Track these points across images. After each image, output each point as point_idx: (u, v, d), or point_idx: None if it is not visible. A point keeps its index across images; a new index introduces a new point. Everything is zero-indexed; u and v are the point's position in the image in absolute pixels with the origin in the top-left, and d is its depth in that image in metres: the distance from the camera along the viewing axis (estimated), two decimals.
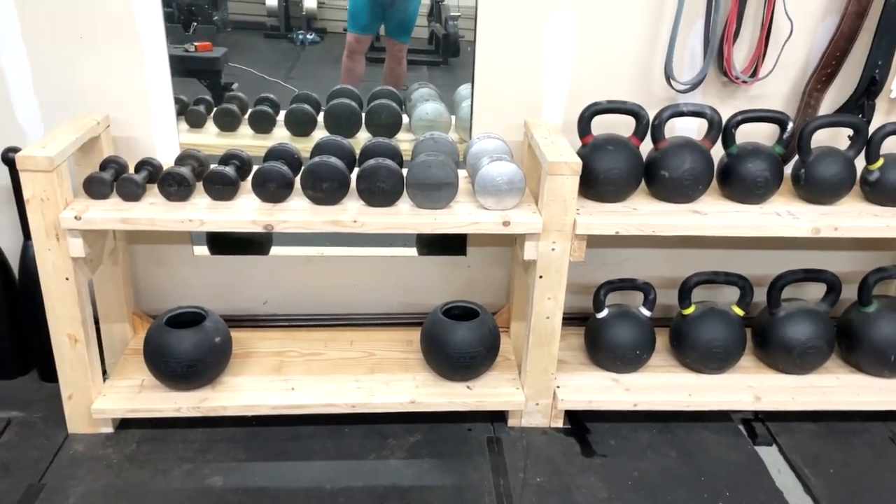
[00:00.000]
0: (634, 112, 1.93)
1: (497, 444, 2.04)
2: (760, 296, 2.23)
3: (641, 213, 1.91)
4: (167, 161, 1.98)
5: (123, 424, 2.02)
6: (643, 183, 2.01)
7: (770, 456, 2.05)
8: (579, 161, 1.78)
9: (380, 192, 1.84)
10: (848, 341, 2.20)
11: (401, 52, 2.31)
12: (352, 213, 1.83)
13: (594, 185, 1.91)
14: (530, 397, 2.05)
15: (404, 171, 1.87)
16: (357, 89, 2.30)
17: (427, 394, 2.04)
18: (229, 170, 1.85)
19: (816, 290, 2.23)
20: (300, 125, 2.32)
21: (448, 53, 2.45)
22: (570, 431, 2.10)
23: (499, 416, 2.12)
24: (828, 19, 2.10)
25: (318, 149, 1.97)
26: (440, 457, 1.98)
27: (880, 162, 1.97)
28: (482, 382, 2.09)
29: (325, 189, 1.83)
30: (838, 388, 2.15)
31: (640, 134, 1.95)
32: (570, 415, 2.13)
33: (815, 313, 2.16)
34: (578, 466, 1.97)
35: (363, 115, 2.32)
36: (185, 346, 1.92)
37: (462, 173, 1.98)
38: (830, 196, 1.99)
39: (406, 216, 1.83)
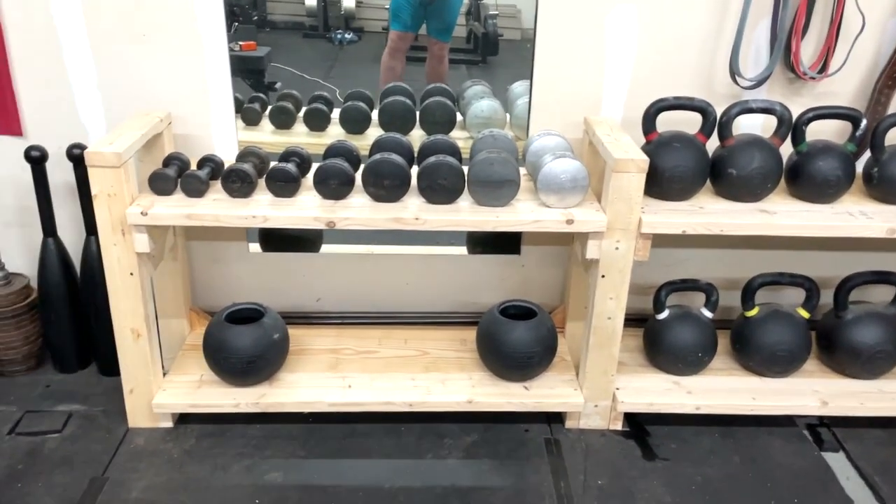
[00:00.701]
0: (701, 109, 1.89)
1: (555, 445, 2.01)
2: (826, 298, 2.16)
3: (708, 212, 1.87)
4: (228, 158, 1.99)
5: (182, 419, 2.04)
6: (709, 181, 1.96)
7: (837, 462, 2.00)
8: (646, 158, 1.75)
9: (441, 189, 1.82)
10: None
11: (442, 51, 2.29)
12: (413, 210, 1.82)
13: (659, 183, 1.87)
14: (589, 399, 2.02)
15: (464, 168, 1.85)
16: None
17: (484, 393, 2.02)
18: (291, 166, 1.84)
19: (884, 293, 2.16)
20: (355, 123, 2.31)
21: (487, 52, 2.42)
22: (629, 434, 2.06)
23: (556, 418, 2.10)
24: None
25: (378, 146, 1.96)
26: (498, 457, 1.95)
27: None
28: (539, 383, 2.07)
29: (387, 186, 1.82)
30: None
31: (706, 131, 1.91)
32: (629, 417, 2.09)
33: (885, 317, 2.09)
34: (640, 470, 1.93)
35: (417, 112, 2.30)
36: (245, 343, 1.93)
37: (522, 171, 1.95)
38: None
39: (467, 213, 1.81)
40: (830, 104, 2.02)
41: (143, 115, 1.96)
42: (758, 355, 2.10)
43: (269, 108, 2.30)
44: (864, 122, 1.90)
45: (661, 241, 1.98)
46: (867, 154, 1.98)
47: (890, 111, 2.10)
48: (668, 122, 1.96)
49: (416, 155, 1.99)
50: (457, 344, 2.24)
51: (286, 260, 2.32)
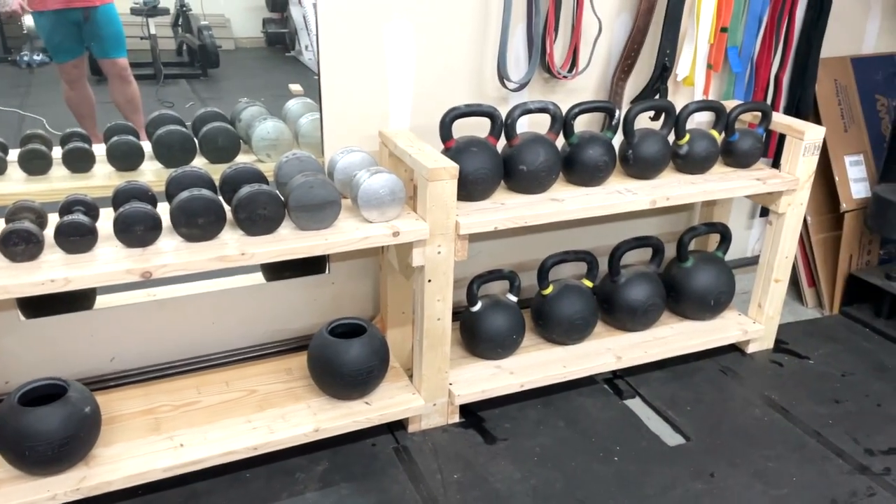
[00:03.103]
0: (490, 114, 2.04)
1: (405, 452, 2.05)
2: (601, 266, 2.47)
3: (510, 207, 2.03)
4: None
5: None
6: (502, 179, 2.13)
7: (637, 406, 2.31)
8: (456, 165, 1.85)
9: (261, 219, 1.75)
10: (674, 294, 2.53)
11: (124, 70, 2.10)
12: (234, 245, 1.72)
13: (464, 186, 1.98)
14: (428, 399, 2.09)
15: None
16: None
17: (329, 418, 1.99)
18: (83, 218, 1.64)
19: (645, 254, 2.53)
20: (125, 159, 2.11)
21: (207, 64, 2.37)
22: (466, 424, 2.17)
23: (397, 425, 2.13)
24: (622, 15, 2.38)
25: (177, 182, 1.82)
26: (355, 479, 1.94)
27: (687, 137, 2.29)
28: (379, 395, 2.09)
29: (201, 224, 1.71)
30: (675, 337, 2.47)
31: (496, 133, 2.07)
32: (462, 408, 2.20)
33: (648, 275, 2.46)
34: (486, 455, 2.05)
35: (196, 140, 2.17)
36: (53, 425, 1.68)
37: None
38: (654, 171, 2.27)
39: (294, 241, 1.76)
40: (581, 100, 2.30)
41: None
42: (559, 327, 2.34)
43: (18, 152, 2.00)
44: (618, 112, 2.20)
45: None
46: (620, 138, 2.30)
47: (625, 99, 2.45)
48: (455, 128, 2.07)
49: (217, 186, 1.88)
50: (283, 375, 2.16)
51: (65, 322, 2.04)
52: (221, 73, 2.33)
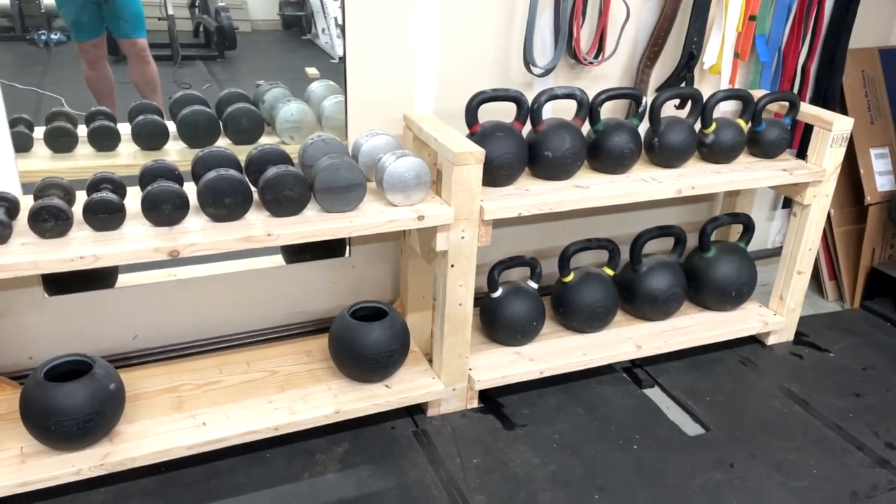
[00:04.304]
0: (516, 98, 2.03)
1: (424, 436, 2.05)
2: (623, 255, 2.46)
3: (534, 194, 2.02)
4: (17, 194, 1.70)
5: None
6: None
7: (656, 396, 2.30)
8: (482, 150, 1.84)
9: (287, 200, 1.75)
10: (695, 284, 2.52)
11: (143, 52, 2.09)
12: (261, 226, 1.72)
13: (489, 171, 1.97)
14: (448, 384, 2.10)
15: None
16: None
17: (349, 400, 1.99)
18: (112, 196, 1.64)
19: (668, 243, 2.52)
20: (151, 138, 2.11)
21: (224, 46, 2.36)
22: (485, 409, 2.18)
23: (416, 409, 2.14)
24: (650, 2, 2.35)
25: (204, 162, 1.82)
26: (374, 461, 1.95)
27: (713, 126, 2.27)
28: (398, 379, 2.09)
29: (228, 204, 1.71)
30: (695, 327, 2.46)
31: (521, 118, 2.06)
32: (481, 394, 2.20)
33: (670, 265, 2.44)
34: (505, 440, 2.06)
35: (220, 121, 2.17)
36: (79, 400, 1.69)
37: None
38: (680, 160, 2.25)
39: (320, 222, 1.76)
40: (606, 86, 2.28)
41: None
42: (579, 315, 2.33)
43: (44, 130, 2.01)
44: (644, 100, 2.18)
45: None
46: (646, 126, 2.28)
47: (650, 87, 2.43)
48: (480, 112, 2.06)
49: (243, 167, 1.88)
50: (303, 356, 2.17)
51: (88, 300, 2.06)
52: (238, 56, 2.31)
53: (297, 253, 2.30)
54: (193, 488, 1.83)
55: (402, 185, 1.83)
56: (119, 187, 1.75)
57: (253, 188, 1.77)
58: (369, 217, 1.80)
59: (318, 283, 2.32)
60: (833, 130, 2.25)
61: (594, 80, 2.39)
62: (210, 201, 1.69)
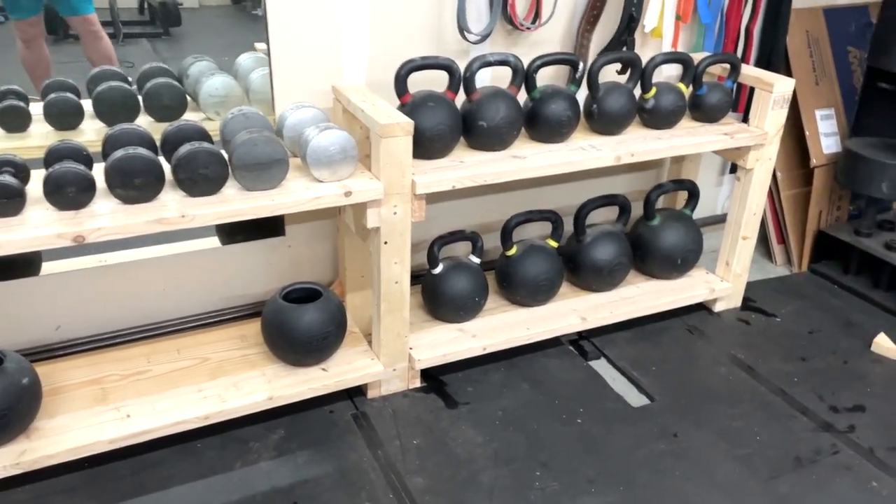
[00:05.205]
0: (447, 66, 1.95)
1: (364, 418, 2.00)
2: (566, 226, 2.41)
3: (469, 165, 1.96)
4: None
5: None
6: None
7: (602, 368, 2.27)
8: (410, 121, 1.77)
9: (202, 179, 1.66)
10: (641, 253, 2.48)
11: (94, 26, 2.01)
12: (175, 207, 1.63)
13: (421, 143, 1.90)
14: (388, 364, 2.04)
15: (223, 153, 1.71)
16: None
17: (283, 385, 1.92)
18: (9, 179, 1.53)
19: (612, 213, 2.47)
20: (64, 118, 2.00)
21: (169, 23, 2.26)
22: (428, 389, 2.12)
23: (356, 392, 2.08)
24: None
25: (114, 140, 1.71)
26: (311, 446, 1.89)
27: (653, 91, 2.21)
28: (336, 361, 2.02)
29: (138, 185, 1.61)
30: (642, 296, 2.43)
31: (454, 87, 1.98)
32: (424, 373, 2.15)
33: (615, 234, 2.40)
34: (447, 420, 2.01)
35: (140, 98, 2.06)
36: None
37: None
38: (619, 126, 2.19)
39: (239, 202, 1.68)
40: (545, 52, 2.21)
41: None
42: (523, 289, 2.28)
43: None
44: (581, 65, 2.12)
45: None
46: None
47: (591, 52, 2.37)
48: (413, 82, 1.98)
49: (158, 146, 1.78)
50: (237, 342, 2.09)
51: (6, 289, 1.95)
52: (185, 32, 2.23)
53: (232, 233, 2.21)
54: (120, 483, 1.75)
55: (326, 160, 1.75)
56: (21, 170, 1.65)
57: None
58: (293, 195, 1.72)
59: (253, 265, 2.24)
60: (774, 92, 2.22)
61: (533, 47, 2.31)
62: (118, 182, 1.59)
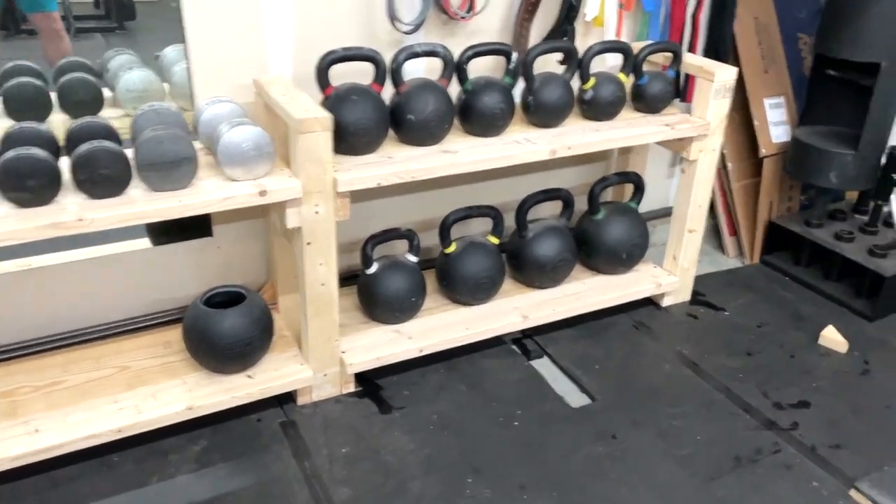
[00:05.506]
0: (371, 58, 1.87)
1: (292, 426, 1.92)
2: (508, 222, 2.34)
3: (397, 161, 1.88)
4: None
5: None
6: (391, 130, 1.96)
7: (544, 367, 2.21)
8: (328, 115, 1.68)
9: (103, 180, 1.57)
10: (586, 248, 2.42)
11: (57, 24, 1.94)
12: (73, 210, 1.54)
13: (345, 139, 1.82)
14: (317, 370, 1.96)
15: (128, 153, 1.61)
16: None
17: (204, 395, 1.84)
18: None
19: (555, 207, 2.40)
20: None
21: (123, 17, 2.17)
22: (362, 393, 2.05)
23: (286, 398, 2.00)
24: None
25: (10, 140, 1.61)
26: (234, 458, 1.81)
27: (592, 81, 2.14)
28: (263, 367, 1.94)
29: (31, 187, 1.52)
30: (587, 292, 2.37)
31: (380, 79, 1.90)
32: (359, 376, 2.07)
33: (558, 229, 2.33)
34: (380, 426, 1.94)
35: (53, 94, 1.96)
36: None
37: (197, 145, 1.75)
38: (557, 118, 2.12)
39: (144, 203, 1.59)
40: (482, 41, 2.13)
41: None
42: (463, 287, 2.21)
43: None
44: (514, 55, 2.04)
45: (355, 196, 1.95)
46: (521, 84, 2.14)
47: (531, 42, 2.29)
48: (342, 74, 1.90)
49: (62, 145, 1.68)
50: (160, 349, 2.00)
51: None
52: (141, 26, 2.14)
53: (158, 234, 2.12)
54: (25, 502, 1.65)
55: (239, 158, 1.66)
56: None
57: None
58: (202, 195, 1.63)
59: (181, 267, 2.14)
60: (715, 81, 2.16)
61: (469, 37, 2.23)
62: (11, 185, 1.49)
